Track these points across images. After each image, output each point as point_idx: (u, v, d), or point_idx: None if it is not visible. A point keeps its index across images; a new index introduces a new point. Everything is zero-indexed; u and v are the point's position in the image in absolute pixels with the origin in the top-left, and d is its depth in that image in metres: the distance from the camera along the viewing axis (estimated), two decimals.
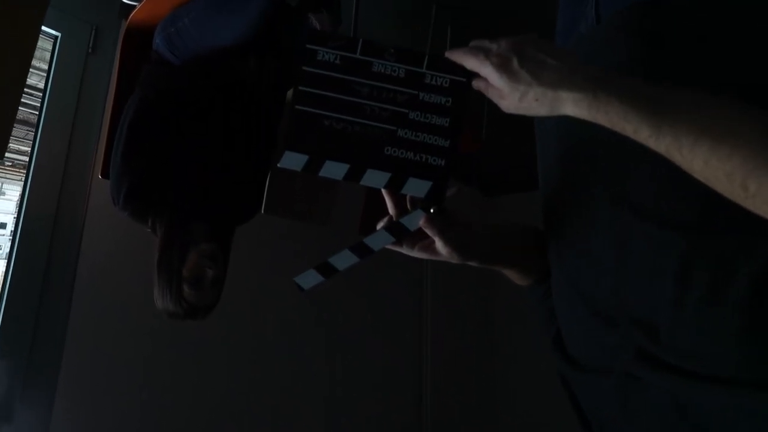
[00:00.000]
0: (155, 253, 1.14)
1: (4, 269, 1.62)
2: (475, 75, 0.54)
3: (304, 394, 1.93)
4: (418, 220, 0.59)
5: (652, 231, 0.47)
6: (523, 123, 0.62)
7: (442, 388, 2.32)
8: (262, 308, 1.85)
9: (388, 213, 0.63)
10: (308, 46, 0.55)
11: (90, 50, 1.57)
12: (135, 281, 1.53)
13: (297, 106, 0.55)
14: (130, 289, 1.54)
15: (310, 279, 0.64)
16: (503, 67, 0.49)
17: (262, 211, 1.45)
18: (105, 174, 1.27)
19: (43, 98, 1.51)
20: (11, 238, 1.74)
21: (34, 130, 1.50)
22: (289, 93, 1.34)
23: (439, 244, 0.60)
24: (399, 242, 0.62)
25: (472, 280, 2.61)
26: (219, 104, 1.22)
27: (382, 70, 0.56)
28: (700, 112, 0.39)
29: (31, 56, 1.05)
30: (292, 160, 0.56)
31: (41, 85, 1.52)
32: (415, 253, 0.63)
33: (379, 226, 0.63)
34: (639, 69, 0.52)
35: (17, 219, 1.45)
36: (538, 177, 0.67)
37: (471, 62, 0.53)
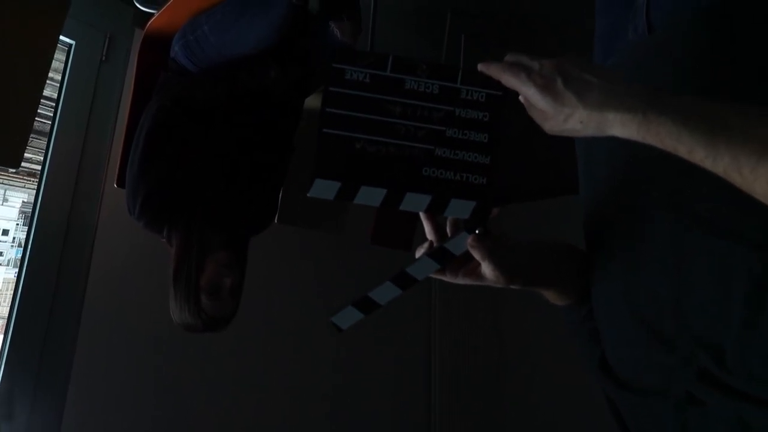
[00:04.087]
0: (171, 263, 1.12)
1: (4, 275, 1.61)
2: (510, 89, 0.52)
3: (313, 400, 1.91)
4: (464, 243, 0.55)
5: (721, 248, 0.45)
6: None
7: (451, 396, 2.30)
8: (272, 317, 1.84)
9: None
10: (335, 65, 0.52)
11: (103, 58, 1.57)
12: (146, 290, 1.51)
13: (324, 130, 0.51)
14: (141, 297, 1.52)
15: (348, 317, 0.59)
16: (547, 88, 0.47)
17: (276, 221, 1.44)
18: (120, 183, 1.25)
19: (56, 105, 1.50)
20: (15, 244, 1.71)
21: (41, 138, 1.49)
22: (308, 100, 1.32)
23: (486, 268, 0.56)
24: (443, 269, 0.58)
25: (480, 291, 2.58)
26: (236, 113, 1.21)
27: (415, 87, 0.53)
28: (762, 130, 0.37)
29: (50, 59, 1.05)
30: (323, 188, 0.52)
31: (53, 95, 1.52)
32: (459, 280, 0.59)
33: (419, 253, 0.59)
34: (702, 79, 0.50)
35: (29, 227, 1.44)
36: (580, 191, 0.65)
37: (511, 81, 0.50)
